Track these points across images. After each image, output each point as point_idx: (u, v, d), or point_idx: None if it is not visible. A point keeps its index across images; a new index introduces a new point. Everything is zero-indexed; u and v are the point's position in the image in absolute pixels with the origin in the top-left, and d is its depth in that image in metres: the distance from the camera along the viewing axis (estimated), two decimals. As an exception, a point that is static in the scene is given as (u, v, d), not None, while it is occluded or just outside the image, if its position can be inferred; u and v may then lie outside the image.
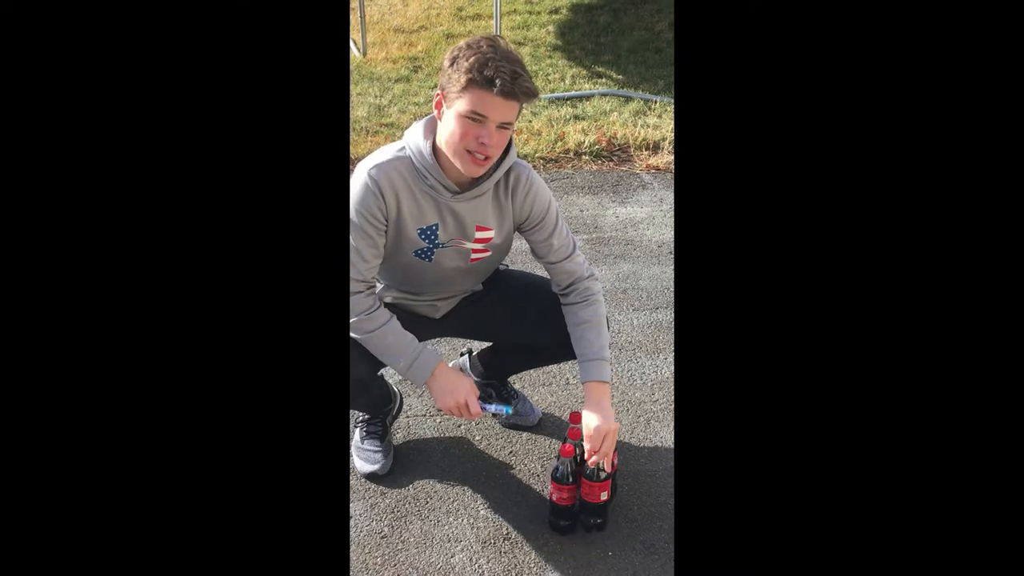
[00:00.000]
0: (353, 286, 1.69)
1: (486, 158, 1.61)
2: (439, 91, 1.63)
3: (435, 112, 1.66)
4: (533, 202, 1.78)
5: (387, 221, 1.69)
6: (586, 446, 1.75)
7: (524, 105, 1.63)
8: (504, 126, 1.59)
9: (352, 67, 5.04)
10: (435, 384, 1.74)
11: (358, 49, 5.32)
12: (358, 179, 1.68)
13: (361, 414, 2.03)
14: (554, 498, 1.81)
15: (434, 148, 1.67)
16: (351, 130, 4.08)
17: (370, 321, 1.70)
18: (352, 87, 4.72)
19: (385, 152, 1.70)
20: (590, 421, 1.75)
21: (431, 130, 1.68)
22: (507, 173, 1.74)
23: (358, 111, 4.34)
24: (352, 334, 1.72)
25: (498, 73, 1.52)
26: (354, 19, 5.63)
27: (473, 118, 1.56)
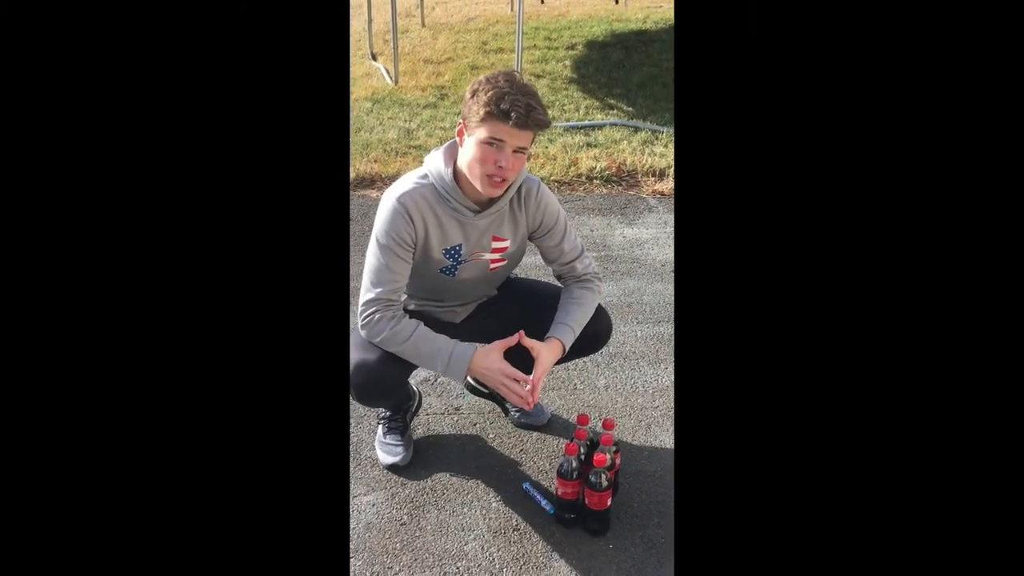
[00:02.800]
0: (377, 305, 1.70)
1: (503, 179, 1.64)
2: (461, 120, 1.67)
3: (457, 139, 1.70)
4: (544, 211, 1.82)
5: (415, 244, 1.72)
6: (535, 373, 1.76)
7: (538, 133, 1.66)
8: (520, 150, 1.63)
9: (384, 94, 5.07)
10: (476, 373, 1.74)
11: (390, 77, 5.36)
12: (387, 206, 1.70)
13: (384, 411, 2.04)
14: (559, 493, 1.81)
15: (455, 172, 1.70)
16: (383, 151, 4.10)
17: (396, 335, 1.70)
18: (384, 112, 4.75)
19: (408, 180, 1.73)
20: (537, 349, 1.77)
21: (451, 156, 1.72)
22: (519, 188, 1.78)
23: (389, 134, 4.37)
24: (386, 348, 1.73)
25: (514, 107, 1.56)
26: (387, 50, 5.67)
27: (491, 143, 1.60)
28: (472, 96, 1.62)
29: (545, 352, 1.76)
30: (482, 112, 1.59)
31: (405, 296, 1.90)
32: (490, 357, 1.74)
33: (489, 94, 1.58)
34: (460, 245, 1.76)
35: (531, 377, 1.73)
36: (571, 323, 1.82)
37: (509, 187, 1.73)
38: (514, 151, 1.62)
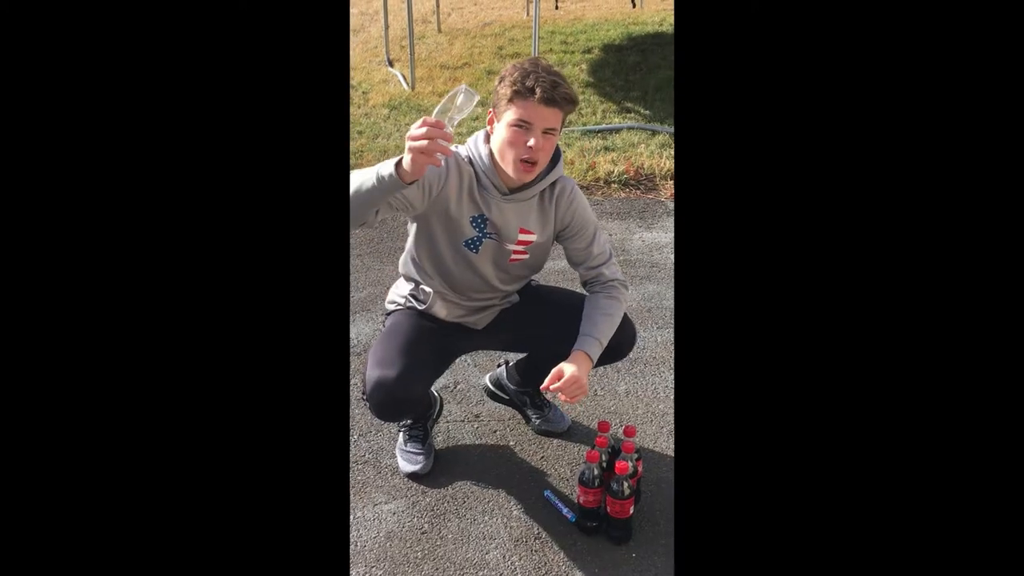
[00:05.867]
0: None
1: (535, 164, 1.65)
2: (491, 109, 1.69)
3: (488, 128, 1.72)
4: (575, 211, 1.82)
5: (431, 194, 1.68)
6: (554, 385, 1.68)
7: (567, 113, 1.66)
8: (549, 132, 1.64)
9: (401, 100, 5.09)
10: (404, 160, 1.46)
11: (407, 83, 5.38)
12: None
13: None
14: (581, 500, 1.80)
15: (491, 153, 1.72)
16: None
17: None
18: (401, 118, 4.77)
19: (454, 146, 1.74)
20: (565, 368, 1.70)
21: (488, 138, 1.74)
22: (553, 184, 1.78)
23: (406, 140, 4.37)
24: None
25: (538, 83, 1.59)
26: (404, 55, 5.69)
27: (520, 125, 1.63)
28: (499, 82, 1.66)
29: (568, 366, 1.72)
30: (508, 92, 1.62)
31: (422, 285, 1.87)
32: None
33: (514, 75, 1.62)
34: (486, 217, 1.75)
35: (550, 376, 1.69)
36: (598, 335, 1.79)
37: (543, 177, 1.73)
38: (544, 132, 1.63)
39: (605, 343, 1.80)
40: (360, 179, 1.52)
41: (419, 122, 1.41)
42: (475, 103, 1.44)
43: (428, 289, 1.86)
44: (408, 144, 1.42)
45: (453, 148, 1.73)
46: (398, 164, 1.46)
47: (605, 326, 1.81)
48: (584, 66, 5.80)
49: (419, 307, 1.88)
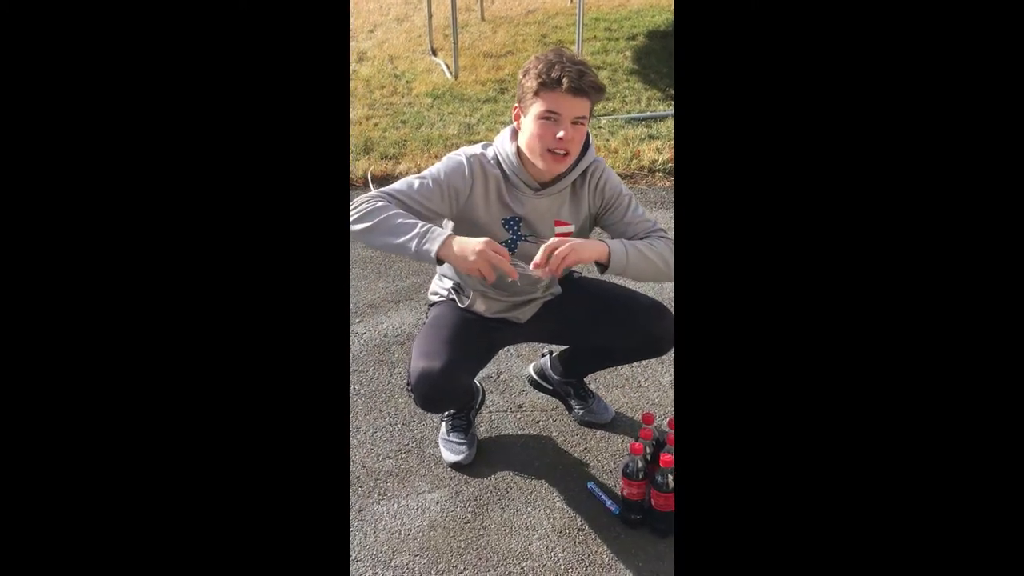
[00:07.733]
0: (382, 197, 1.61)
1: (566, 154, 1.63)
2: (516, 104, 1.67)
3: (515, 123, 1.70)
4: (604, 186, 1.77)
5: (459, 201, 1.69)
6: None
7: (595, 102, 1.63)
8: (578, 121, 1.61)
9: (444, 89, 5.09)
10: (451, 253, 1.54)
11: (450, 72, 5.37)
12: (455, 157, 1.70)
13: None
14: (625, 493, 1.79)
15: (518, 150, 1.70)
16: (443, 146, 4.12)
17: (377, 212, 1.58)
18: (444, 107, 4.77)
19: (477, 147, 1.74)
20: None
21: (515, 135, 1.72)
22: (584, 171, 1.75)
23: (449, 129, 4.38)
24: (358, 228, 1.58)
25: (564, 73, 1.57)
26: (447, 44, 5.69)
27: (548, 117, 1.60)
28: (524, 75, 1.63)
29: (579, 238, 1.61)
30: (534, 85, 1.59)
31: (465, 287, 1.87)
32: (471, 239, 1.56)
33: (539, 67, 1.59)
34: (519, 217, 1.73)
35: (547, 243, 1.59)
36: (627, 245, 1.67)
37: (574, 167, 1.70)
38: (572, 122, 1.60)
39: (632, 258, 1.66)
40: (400, 234, 1.56)
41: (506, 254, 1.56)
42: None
43: (468, 288, 1.86)
44: (482, 255, 1.52)
45: (478, 150, 1.72)
46: (441, 248, 1.53)
47: (641, 245, 1.69)
48: (628, 53, 5.73)
49: (460, 304, 1.88)
